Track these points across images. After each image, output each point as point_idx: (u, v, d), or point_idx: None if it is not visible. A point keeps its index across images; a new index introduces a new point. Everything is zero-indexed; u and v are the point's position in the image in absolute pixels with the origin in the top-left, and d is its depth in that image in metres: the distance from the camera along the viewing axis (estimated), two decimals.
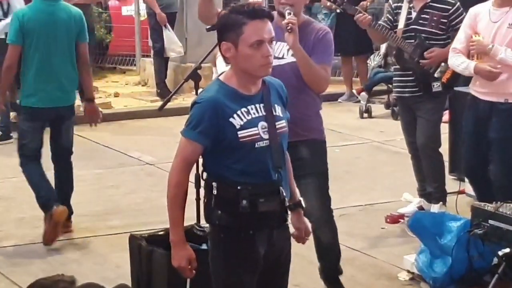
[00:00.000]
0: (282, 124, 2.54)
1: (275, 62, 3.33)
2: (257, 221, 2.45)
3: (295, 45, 3.34)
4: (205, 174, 2.51)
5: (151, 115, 7.46)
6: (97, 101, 7.64)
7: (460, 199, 4.64)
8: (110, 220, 4.89)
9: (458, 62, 4.17)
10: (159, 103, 6.82)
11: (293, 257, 2.79)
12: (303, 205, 2.68)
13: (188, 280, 2.68)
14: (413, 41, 4.52)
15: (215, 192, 2.43)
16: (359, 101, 7.86)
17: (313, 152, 3.46)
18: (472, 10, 4.22)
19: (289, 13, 3.32)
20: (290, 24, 3.25)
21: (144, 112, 7.80)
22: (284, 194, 2.49)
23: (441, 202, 4.64)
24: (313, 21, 3.57)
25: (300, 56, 3.35)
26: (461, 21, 4.53)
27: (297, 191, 2.74)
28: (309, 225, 2.73)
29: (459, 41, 4.24)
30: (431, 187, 4.67)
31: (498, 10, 4.06)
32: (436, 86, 4.61)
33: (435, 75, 4.60)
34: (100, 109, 7.36)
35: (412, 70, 4.59)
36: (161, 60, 8.26)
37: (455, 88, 5.05)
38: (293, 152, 3.30)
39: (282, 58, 3.40)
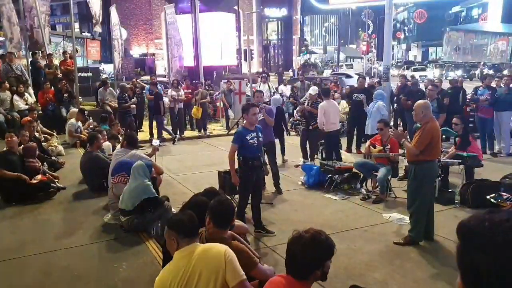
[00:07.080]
0: (260, 139, 7.22)
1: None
2: (254, 167, 7.21)
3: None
4: (239, 156, 7.19)
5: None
6: None
7: None
8: None
9: None
10: None
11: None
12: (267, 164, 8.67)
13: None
14: None
15: (241, 159, 7.17)
16: None
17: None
18: None
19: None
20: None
21: None
22: (262, 160, 7.38)
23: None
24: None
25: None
26: None
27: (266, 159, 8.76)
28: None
29: None
30: None
31: None
32: None
33: None
34: None
35: None
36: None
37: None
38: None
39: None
